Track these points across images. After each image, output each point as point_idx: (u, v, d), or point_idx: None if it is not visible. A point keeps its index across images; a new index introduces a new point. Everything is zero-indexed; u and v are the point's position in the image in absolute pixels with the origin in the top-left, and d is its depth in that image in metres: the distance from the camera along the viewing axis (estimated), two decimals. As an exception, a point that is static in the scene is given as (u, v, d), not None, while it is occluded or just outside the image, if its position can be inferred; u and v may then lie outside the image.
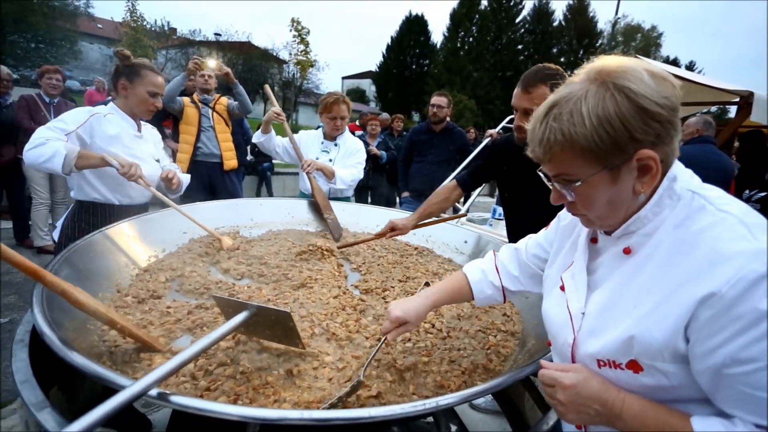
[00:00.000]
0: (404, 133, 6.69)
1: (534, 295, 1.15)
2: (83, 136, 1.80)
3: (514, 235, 2.06)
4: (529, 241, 1.11)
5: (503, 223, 3.61)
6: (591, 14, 36.09)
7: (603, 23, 37.08)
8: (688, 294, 0.65)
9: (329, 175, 2.59)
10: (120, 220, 1.74)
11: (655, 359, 0.69)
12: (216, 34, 29.32)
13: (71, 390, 1.09)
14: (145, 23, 26.26)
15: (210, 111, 3.93)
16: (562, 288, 0.88)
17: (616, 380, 0.74)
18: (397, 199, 5.39)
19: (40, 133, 1.68)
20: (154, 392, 0.76)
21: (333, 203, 2.55)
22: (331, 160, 2.73)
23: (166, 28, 29.45)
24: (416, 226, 2.04)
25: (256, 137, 2.79)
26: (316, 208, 2.45)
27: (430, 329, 1.36)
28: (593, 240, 0.87)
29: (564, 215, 1.00)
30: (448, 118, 4.27)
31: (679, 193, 0.73)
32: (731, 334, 0.62)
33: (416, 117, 34.48)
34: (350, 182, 2.70)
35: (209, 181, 3.93)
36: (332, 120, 2.71)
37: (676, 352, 0.67)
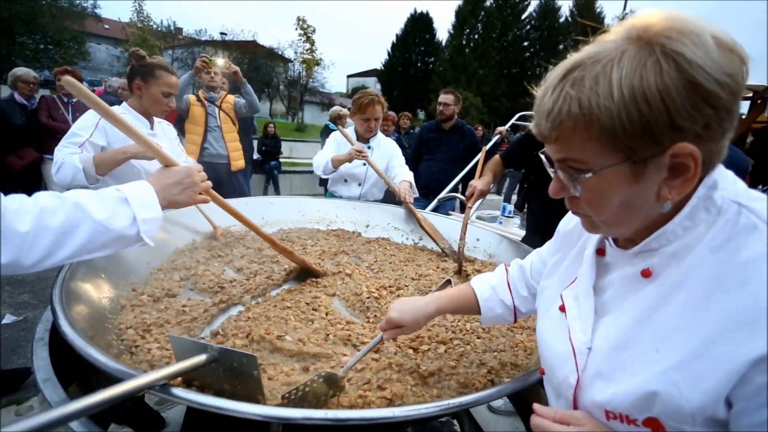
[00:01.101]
0: (411, 131, 6.67)
1: None
2: (97, 142, 1.82)
3: (535, 221, 2.08)
4: (534, 256, 0.98)
5: (513, 220, 3.61)
6: (598, 10, 35.77)
7: (610, 19, 36.71)
8: (735, 350, 0.49)
9: (405, 193, 2.36)
10: None
11: (683, 422, 0.53)
12: (222, 33, 29.44)
13: (89, 387, 1.10)
14: (151, 23, 26.47)
15: (216, 110, 3.86)
16: (562, 308, 0.72)
17: None
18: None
19: (57, 154, 1.74)
20: (180, 392, 0.75)
21: (341, 201, 2.54)
22: (364, 164, 2.60)
23: (172, 28, 29.64)
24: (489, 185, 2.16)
25: (324, 171, 2.56)
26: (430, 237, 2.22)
27: (470, 330, 1.35)
28: (600, 251, 0.70)
29: (569, 218, 0.83)
30: (456, 116, 4.25)
31: (719, 205, 0.55)
32: None
33: (422, 115, 34.42)
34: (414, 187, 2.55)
35: (216, 183, 3.90)
36: (366, 121, 2.58)
37: (713, 417, 0.52)
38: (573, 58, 0.56)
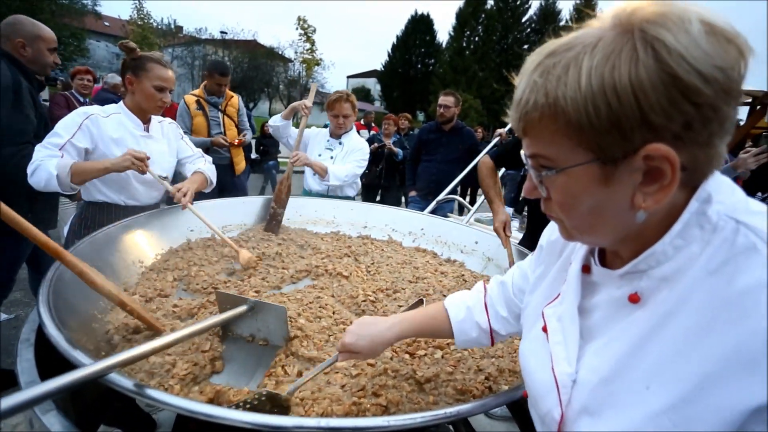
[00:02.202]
0: (410, 132, 6.66)
1: None
2: (79, 144, 1.67)
3: (534, 224, 2.03)
4: (515, 271, 0.89)
5: (512, 223, 3.59)
6: (598, 13, 35.93)
7: (610, 23, 36.84)
8: (732, 396, 0.43)
9: (321, 172, 2.53)
10: (125, 217, 1.70)
11: None
12: (222, 32, 29.43)
13: (76, 391, 1.07)
14: (151, 21, 26.43)
15: (220, 115, 3.72)
16: (545, 329, 0.65)
17: None
18: (403, 199, 5.36)
19: (36, 154, 1.59)
20: (169, 399, 0.73)
21: (338, 202, 2.52)
22: (332, 158, 2.71)
23: (172, 26, 29.63)
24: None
25: (273, 121, 2.74)
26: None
27: None
28: (585, 269, 0.63)
29: (552, 228, 0.76)
30: (455, 118, 4.24)
31: (715, 222, 0.49)
32: None
33: (421, 116, 34.46)
34: (344, 178, 2.60)
35: (220, 186, 3.83)
36: (335, 118, 2.71)
37: None
38: (549, 44, 0.51)
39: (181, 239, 1.87)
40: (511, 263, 1.87)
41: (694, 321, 0.47)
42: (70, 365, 0.84)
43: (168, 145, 2.01)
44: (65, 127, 1.67)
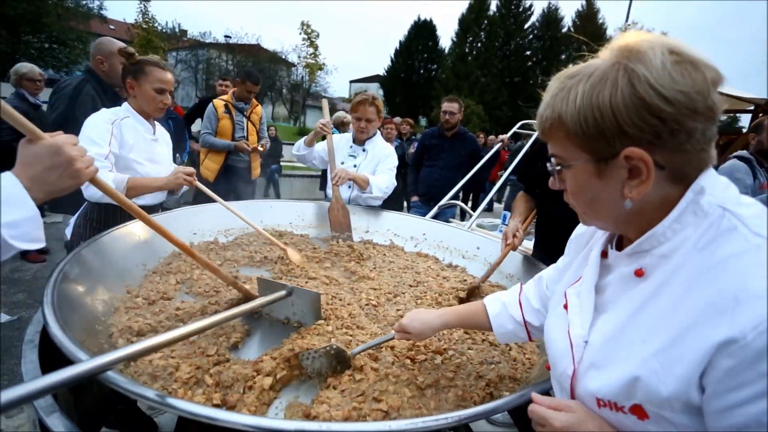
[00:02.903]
0: (412, 137, 6.67)
1: None
2: (116, 152, 1.75)
3: (541, 234, 2.02)
4: (550, 268, 1.01)
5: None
6: (600, 21, 36.01)
7: (612, 30, 36.93)
8: (704, 336, 0.55)
9: (362, 185, 2.43)
10: (131, 218, 1.71)
11: (663, 408, 0.59)
12: (226, 36, 29.61)
13: (79, 391, 1.07)
14: (156, 25, 26.59)
15: (245, 121, 3.88)
16: (566, 306, 0.78)
17: (618, 424, 0.65)
18: (405, 204, 5.36)
19: None
20: (173, 401, 0.73)
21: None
22: (356, 165, 2.60)
23: (176, 30, 29.79)
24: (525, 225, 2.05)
25: (297, 149, 2.70)
26: (330, 224, 2.30)
27: (459, 339, 1.32)
28: (603, 254, 0.77)
29: (580, 226, 0.90)
30: (458, 123, 4.26)
31: (706, 210, 0.61)
32: (758, 392, 0.51)
33: (423, 122, 34.51)
34: (386, 190, 2.53)
35: (236, 189, 3.92)
36: (358, 121, 2.59)
37: (689, 403, 0.57)
38: (564, 72, 0.66)
39: (184, 241, 1.88)
40: (493, 268, 1.88)
41: (683, 286, 0.60)
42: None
43: (168, 148, 2.13)
44: (99, 135, 1.72)
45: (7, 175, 0.79)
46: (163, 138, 2.08)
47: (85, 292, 1.23)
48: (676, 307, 0.59)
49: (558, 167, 0.69)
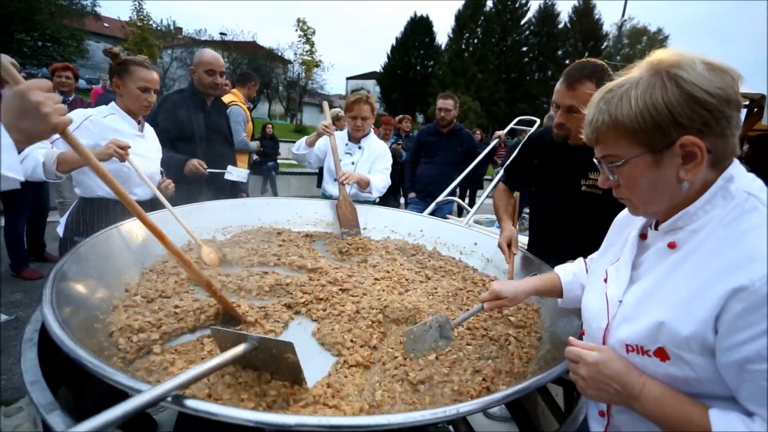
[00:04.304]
0: (411, 134, 6.67)
1: None
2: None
3: (535, 232, 2.02)
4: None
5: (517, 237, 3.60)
6: (596, 16, 36.01)
7: (608, 25, 36.97)
8: (721, 285, 0.67)
9: (364, 185, 2.53)
10: (123, 215, 1.72)
11: (682, 348, 0.70)
12: (221, 33, 29.44)
13: (79, 389, 1.08)
14: (151, 22, 26.37)
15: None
16: (605, 280, 0.91)
17: (643, 367, 0.76)
18: (402, 200, 5.37)
19: (27, 147, 1.63)
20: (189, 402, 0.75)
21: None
22: (353, 163, 2.70)
23: (171, 28, 29.59)
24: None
25: (298, 148, 2.78)
26: (337, 219, 2.35)
27: (468, 340, 1.33)
28: (642, 236, 0.89)
29: (623, 212, 1.02)
30: (455, 120, 4.26)
31: (733, 194, 0.73)
32: (760, 331, 0.62)
33: (420, 118, 34.46)
34: (382, 189, 2.67)
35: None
36: (353, 119, 2.69)
37: (705, 344, 0.68)
38: (607, 85, 0.80)
39: (181, 241, 1.87)
40: (511, 278, 1.80)
41: (708, 253, 0.72)
42: (74, 364, 0.85)
43: (155, 144, 2.20)
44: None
45: None
46: (150, 134, 2.18)
47: (84, 290, 1.23)
48: (700, 268, 0.72)
49: (613, 165, 0.79)
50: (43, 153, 1.65)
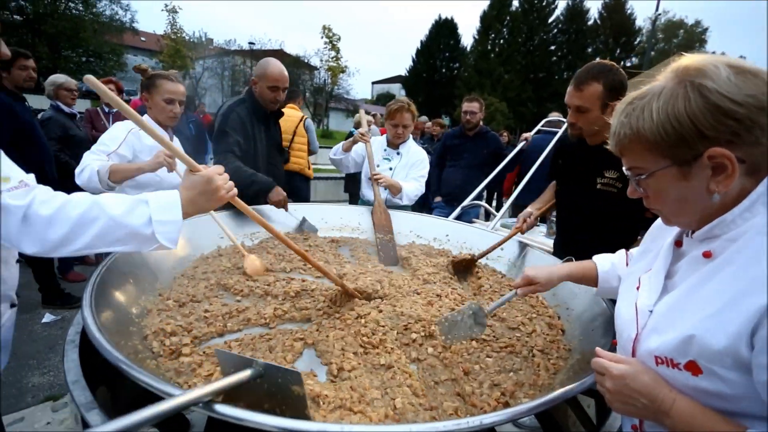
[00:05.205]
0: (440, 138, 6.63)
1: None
2: (125, 154, 1.93)
3: (559, 231, 2.05)
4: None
5: (539, 228, 3.51)
6: (628, 11, 34.76)
7: (641, 20, 35.54)
8: (758, 298, 0.63)
9: (395, 192, 2.58)
10: None
11: (715, 363, 0.67)
12: (250, 43, 30.27)
13: (116, 389, 1.13)
14: (183, 35, 27.51)
15: None
16: (638, 288, 0.88)
17: (673, 380, 0.72)
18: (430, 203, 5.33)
19: (84, 160, 1.86)
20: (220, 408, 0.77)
21: (363, 209, 2.54)
22: (391, 168, 2.73)
23: (203, 39, 30.73)
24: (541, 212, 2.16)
25: (335, 153, 2.85)
26: (373, 224, 2.40)
27: (488, 352, 1.30)
28: (678, 243, 0.86)
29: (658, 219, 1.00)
30: (481, 122, 4.20)
31: None
32: None
33: (446, 120, 34.25)
34: (414, 197, 2.69)
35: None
36: (394, 127, 2.72)
37: (739, 359, 0.65)
38: (630, 95, 0.76)
39: (211, 246, 1.94)
40: (495, 246, 2.00)
41: (743, 263, 0.69)
42: (110, 366, 0.89)
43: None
44: (111, 138, 1.93)
45: (172, 192, 1.05)
46: (179, 146, 2.26)
47: (120, 294, 1.29)
48: (736, 279, 0.68)
49: (639, 177, 0.77)
50: (98, 164, 1.80)
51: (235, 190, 1.15)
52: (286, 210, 2.31)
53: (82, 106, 4.66)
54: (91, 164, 1.82)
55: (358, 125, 5.74)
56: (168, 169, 1.87)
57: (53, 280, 3.52)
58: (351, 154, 2.81)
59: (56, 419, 2.29)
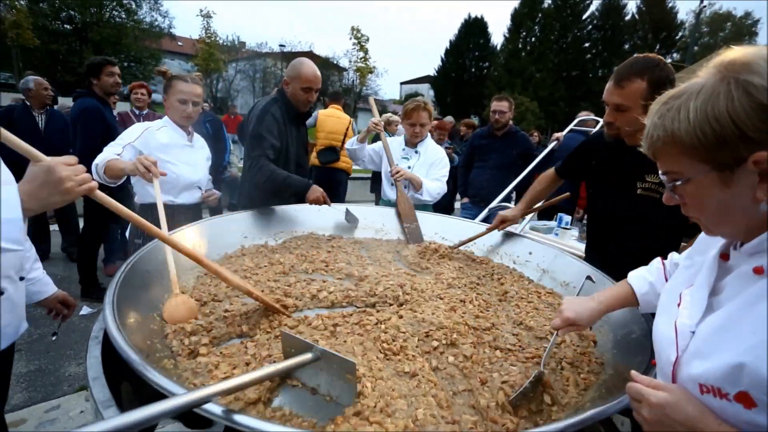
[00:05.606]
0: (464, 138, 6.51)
1: None
2: (139, 148, 2.00)
3: (591, 239, 1.91)
4: (684, 254, 1.02)
5: (570, 232, 3.37)
6: (670, 4, 33.10)
7: (684, 13, 33.77)
8: None
9: (417, 186, 2.58)
10: (175, 219, 1.83)
11: None
12: (281, 45, 30.95)
13: (139, 384, 1.14)
14: (217, 39, 28.43)
15: None
16: (679, 305, 0.79)
17: (722, 412, 0.64)
18: (457, 204, 5.23)
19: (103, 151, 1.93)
20: (218, 410, 0.76)
21: (387, 209, 2.51)
22: (410, 167, 2.73)
23: (236, 42, 31.65)
24: (524, 214, 2.15)
25: (351, 144, 2.88)
26: (398, 216, 2.46)
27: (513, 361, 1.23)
28: (724, 256, 0.76)
29: None
30: (510, 122, 4.08)
31: None
32: None
33: (475, 121, 33.78)
34: (436, 195, 2.69)
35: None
36: (411, 126, 2.73)
37: None
38: (667, 93, 0.70)
39: (235, 246, 1.95)
40: (461, 244, 2.12)
41: None
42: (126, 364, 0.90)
43: (203, 153, 2.35)
44: (129, 134, 2.02)
45: (12, 187, 0.96)
46: (198, 144, 2.33)
47: (144, 292, 1.30)
48: None
49: (674, 182, 0.71)
50: (101, 158, 1.86)
51: (94, 184, 1.04)
52: (329, 205, 2.31)
53: (122, 108, 4.87)
54: (100, 156, 1.88)
55: (384, 126, 5.72)
56: (144, 179, 1.75)
57: (94, 274, 3.70)
58: (368, 150, 2.82)
59: (89, 408, 2.38)
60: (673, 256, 1.10)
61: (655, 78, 1.44)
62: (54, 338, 1.68)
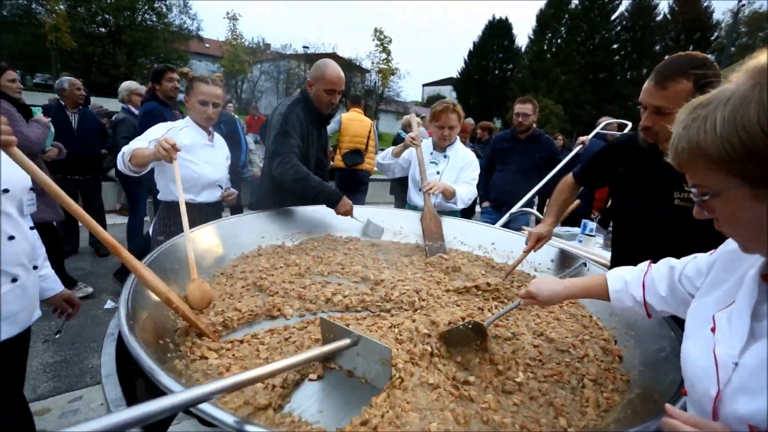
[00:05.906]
0: (487, 141, 6.40)
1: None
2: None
3: (619, 249, 1.80)
4: (690, 261, 0.97)
5: (594, 239, 3.25)
6: (704, 4, 31.86)
7: (719, 13, 32.42)
8: None
9: (449, 196, 2.44)
10: (196, 216, 1.85)
11: None
12: (304, 47, 31.36)
13: (152, 383, 1.14)
14: (243, 41, 29.04)
15: None
16: (713, 330, 0.72)
17: None
18: (478, 208, 5.15)
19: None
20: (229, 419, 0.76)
21: (407, 213, 2.48)
22: (438, 173, 2.62)
23: (261, 44, 32.25)
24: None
25: (383, 158, 2.82)
26: (423, 231, 2.28)
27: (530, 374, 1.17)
28: (765, 277, 0.69)
29: (729, 240, 0.82)
30: (534, 125, 3.98)
31: None
32: None
33: (498, 123, 33.33)
34: (468, 201, 2.55)
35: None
36: (440, 129, 2.60)
37: None
38: (693, 102, 0.65)
39: (252, 245, 1.96)
40: (508, 273, 1.90)
41: None
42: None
43: (223, 152, 2.39)
44: (155, 131, 2.04)
45: None
46: (219, 144, 2.37)
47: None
48: None
49: (703, 197, 0.66)
50: (126, 148, 1.88)
51: (11, 138, 0.99)
52: (353, 216, 2.28)
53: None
54: (125, 147, 1.91)
55: (406, 128, 5.69)
56: (165, 160, 1.78)
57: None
58: (399, 161, 2.73)
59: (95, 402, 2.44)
60: (670, 261, 1.02)
61: (701, 78, 1.33)
62: (57, 336, 1.73)
